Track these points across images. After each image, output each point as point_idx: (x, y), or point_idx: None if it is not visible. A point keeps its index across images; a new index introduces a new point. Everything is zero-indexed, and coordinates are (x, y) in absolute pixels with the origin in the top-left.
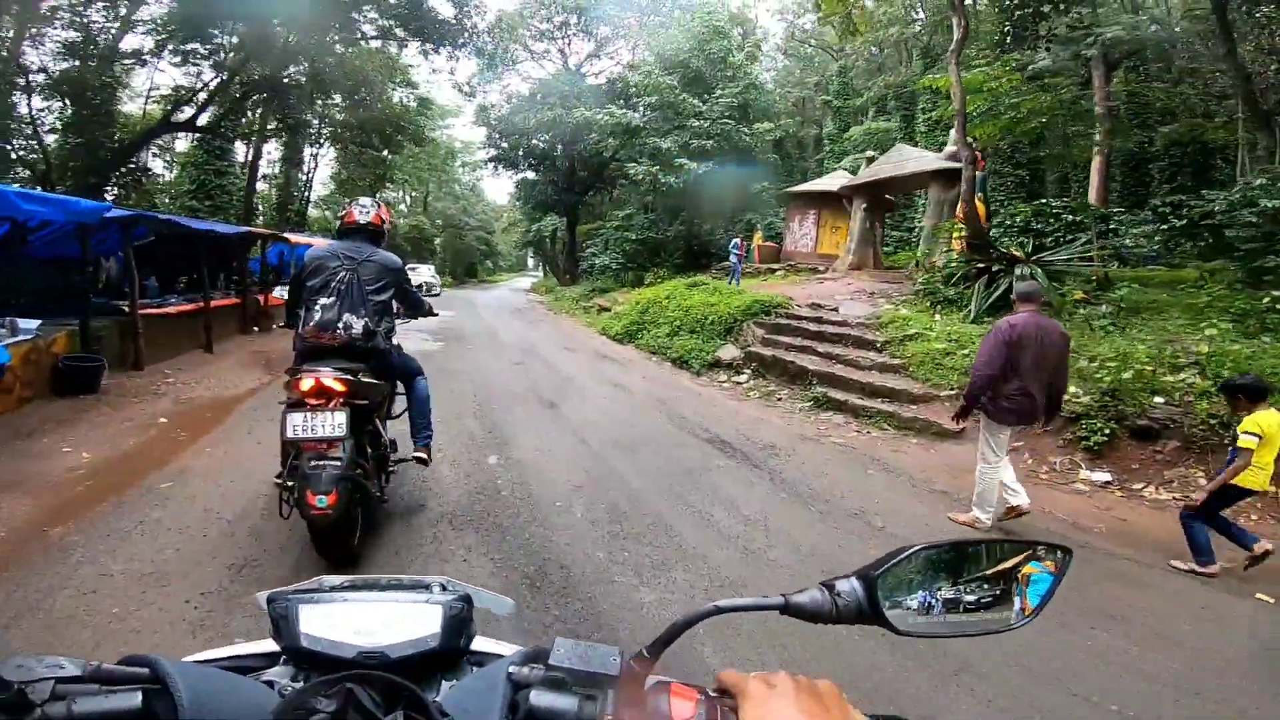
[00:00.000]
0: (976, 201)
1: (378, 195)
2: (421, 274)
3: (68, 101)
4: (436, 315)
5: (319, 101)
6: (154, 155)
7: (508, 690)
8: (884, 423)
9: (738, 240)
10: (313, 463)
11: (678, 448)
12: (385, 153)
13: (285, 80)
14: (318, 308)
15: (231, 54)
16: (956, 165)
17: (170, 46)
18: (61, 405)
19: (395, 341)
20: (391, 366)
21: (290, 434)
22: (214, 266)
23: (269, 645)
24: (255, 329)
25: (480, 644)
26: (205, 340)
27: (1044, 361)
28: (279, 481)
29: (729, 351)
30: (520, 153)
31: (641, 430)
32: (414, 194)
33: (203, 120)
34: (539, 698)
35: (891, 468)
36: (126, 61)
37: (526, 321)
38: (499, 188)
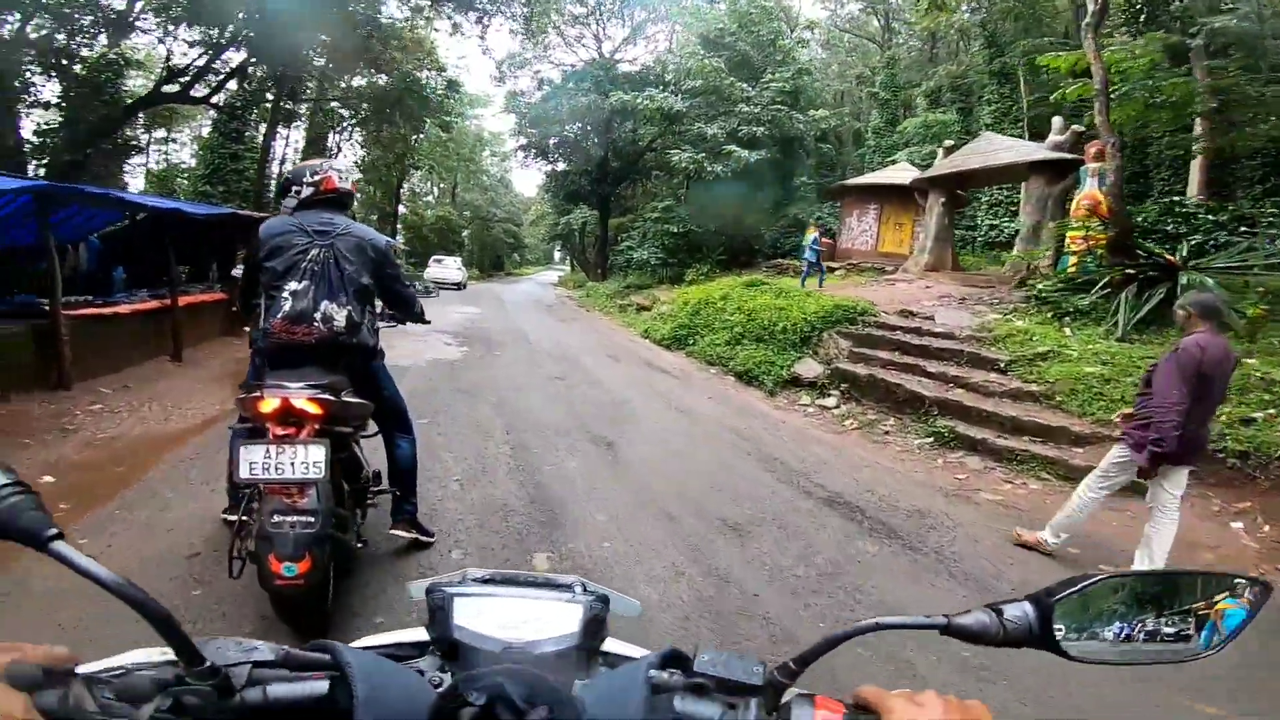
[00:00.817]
0: (1102, 195)
1: (403, 180)
2: (448, 266)
3: (53, 74)
4: (428, 322)
5: (336, 77)
6: (175, 140)
7: (646, 692)
8: (1041, 469)
9: (817, 234)
10: (277, 516)
11: (796, 519)
12: (407, 129)
13: (298, 55)
14: (286, 295)
15: (235, 28)
16: (1064, 156)
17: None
18: None
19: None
20: (378, 376)
21: (246, 474)
22: (206, 256)
23: (418, 634)
24: (246, 329)
25: (609, 644)
26: (173, 346)
27: (1224, 390)
28: (227, 519)
29: (809, 367)
30: (551, 142)
31: (736, 488)
32: (442, 185)
33: (202, 94)
34: (684, 703)
35: (1096, 541)
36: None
37: (559, 320)
38: (528, 180)
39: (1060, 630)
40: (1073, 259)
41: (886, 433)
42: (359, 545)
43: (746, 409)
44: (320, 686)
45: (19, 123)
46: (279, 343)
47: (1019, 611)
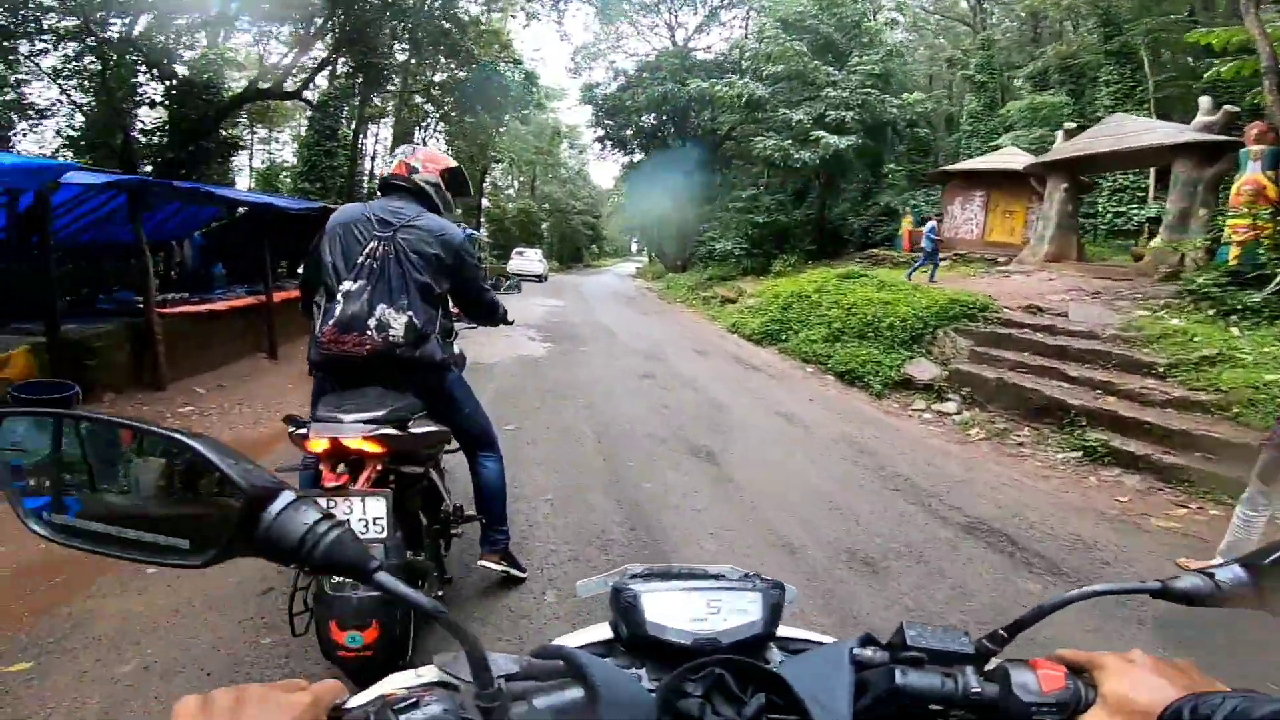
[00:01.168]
0: (1268, 180)
1: (486, 173)
2: (530, 259)
3: (156, 74)
4: (511, 323)
5: (418, 70)
6: (277, 140)
7: (852, 671)
8: (1220, 492)
9: (934, 223)
10: (337, 579)
11: (937, 551)
12: (488, 121)
13: (381, 46)
14: (339, 297)
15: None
16: (1216, 139)
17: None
18: None
19: (458, 350)
20: (453, 392)
21: None
22: (301, 251)
23: (600, 632)
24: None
25: (781, 630)
26: (268, 343)
27: None
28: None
29: (923, 368)
30: (628, 132)
31: (860, 511)
32: (521, 178)
33: (300, 90)
34: (905, 677)
35: None
36: (215, 35)
37: (641, 313)
38: (605, 171)
39: (1274, 591)
40: (1234, 249)
41: (1021, 445)
42: (443, 586)
43: (854, 413)
44: (576, 694)
45: (130, 122)
46: (329, 355)
47: (1230, 575)
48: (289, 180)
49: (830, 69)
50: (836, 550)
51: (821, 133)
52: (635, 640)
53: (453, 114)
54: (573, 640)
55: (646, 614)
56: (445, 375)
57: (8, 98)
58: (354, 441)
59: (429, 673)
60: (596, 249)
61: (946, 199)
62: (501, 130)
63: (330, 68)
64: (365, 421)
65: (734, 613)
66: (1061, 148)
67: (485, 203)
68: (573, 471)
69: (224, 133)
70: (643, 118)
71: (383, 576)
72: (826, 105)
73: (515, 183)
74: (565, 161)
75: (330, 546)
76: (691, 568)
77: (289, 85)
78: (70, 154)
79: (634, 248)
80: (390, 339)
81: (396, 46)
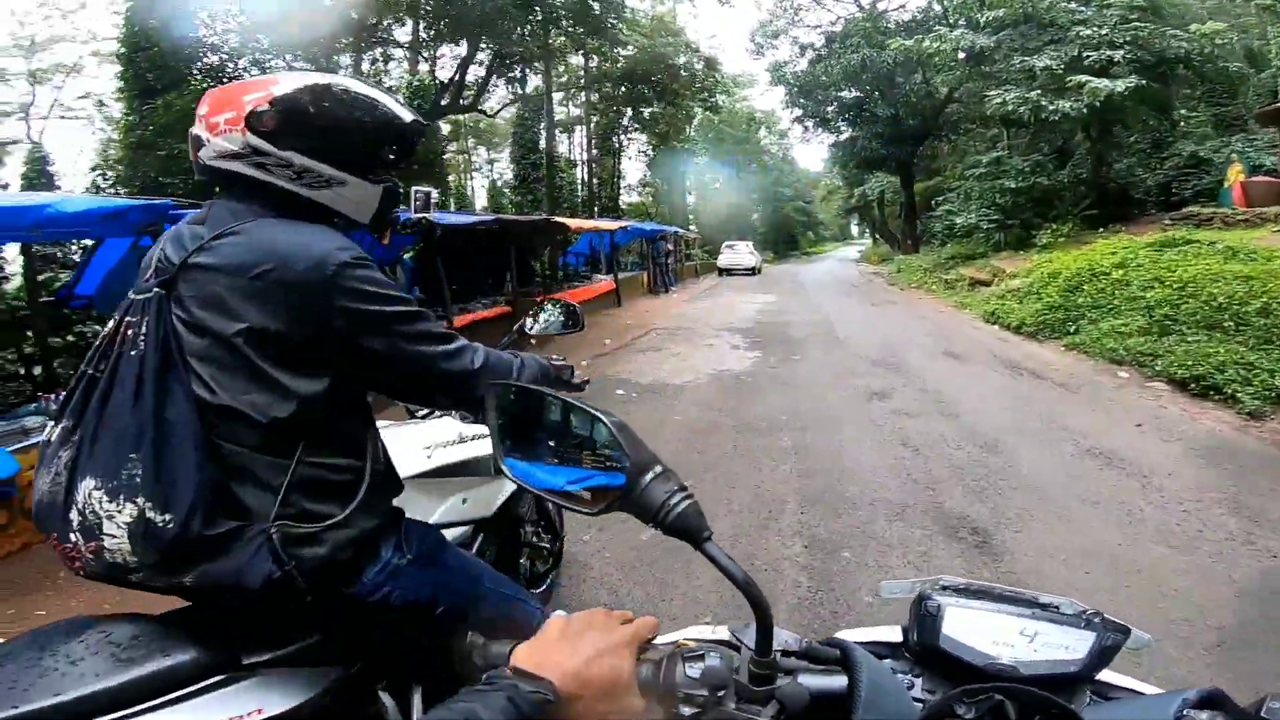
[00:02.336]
0: None
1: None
2: (740, 251)
3: None
4: (582, 386)
5: (561, 49)
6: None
7: None
8: None
9: None
10: None
11: None
12: (666, 110)
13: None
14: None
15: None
16: None
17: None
18: None
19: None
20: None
21: None
22: (501, 266)
23: (889, 634)
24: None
25: (1103, 674)
26: None
27: None
28: None
29: None
30: (830, 110)
31: None
32: (725, 170)
33: (474, 101)
34: None
35: None
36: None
37: (868, 303)
38: (812, 154)
39: None
40: None
41: None
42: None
43: (1220, 450)
44: (840, 681)
45: None
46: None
47: None
48: (507, 194)
49: (1073, 4)
50: None
51: (1084, 77)
52: (925, 650)
53: (624, 107)
54: (859, 636)
55: (945, 627)
56: (327, 597)
57: None
58: None
59: (721, 631)
60: (813, 235)
61: None
62: (694, 122)
63: (470, 64)
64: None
65: (1049, 646)
66: None
67: (691, 198)
68: (755, 574)
69: (434, 149)
70: (841, 91)
71: (710, 546)
72: (1081, 46)
73: (721, 176)
74: (768, 148)
75: (679, 515)
76: (1018, 591)
77: (463, 100)
78: None
79: (854, 230)
80: (108, 553)
81: (528, 29)
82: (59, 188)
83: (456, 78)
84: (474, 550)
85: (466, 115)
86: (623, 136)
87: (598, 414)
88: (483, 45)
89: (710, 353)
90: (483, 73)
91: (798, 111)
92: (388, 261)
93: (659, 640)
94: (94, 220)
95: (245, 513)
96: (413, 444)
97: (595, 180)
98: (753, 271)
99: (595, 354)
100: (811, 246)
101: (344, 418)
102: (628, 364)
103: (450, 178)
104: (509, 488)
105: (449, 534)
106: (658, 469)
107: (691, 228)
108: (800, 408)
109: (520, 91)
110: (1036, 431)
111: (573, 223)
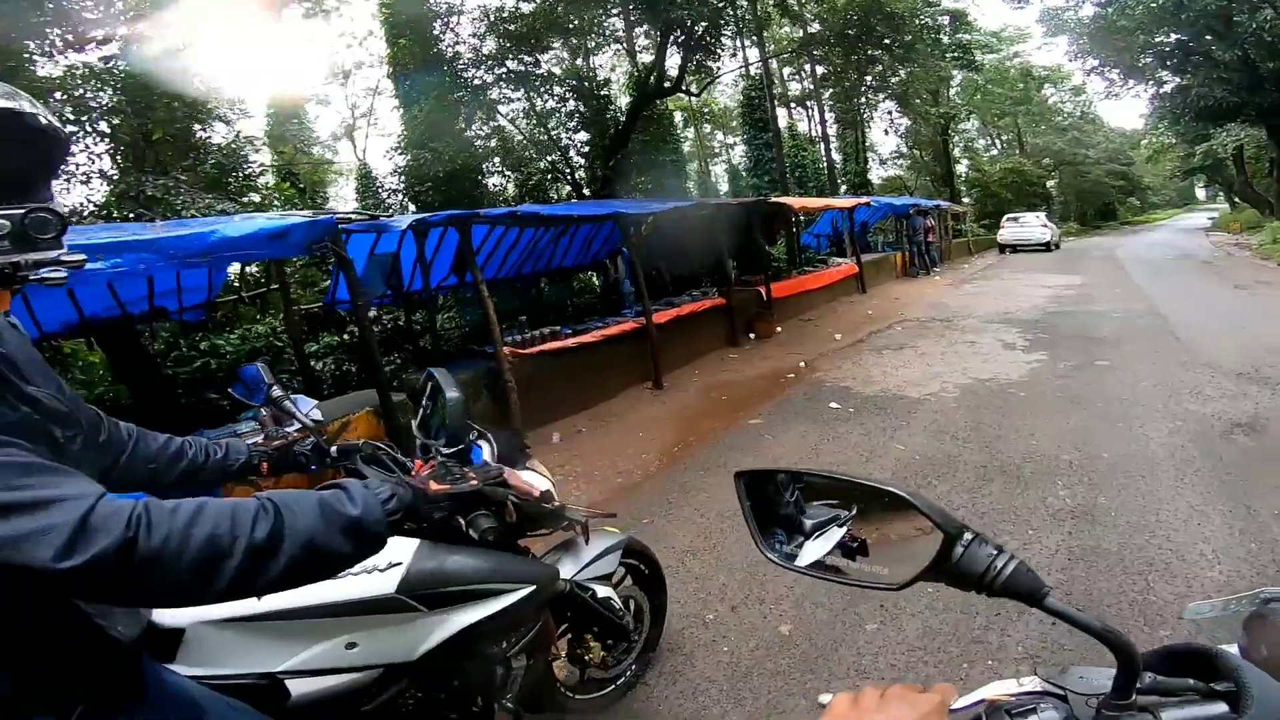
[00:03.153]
0: None
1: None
2: (1029, 224)
3: (573, 99)
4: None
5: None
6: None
7: None
8: None
9: None
10: None
11: None
12: (889, 61)
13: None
14: None
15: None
16: None
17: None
18: None
19: None
20: None
21: None
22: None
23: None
24: (751, 336)
25: None
26: (654, 372)
27: None
28: None
29: None
30: (1146, 57)
31: None
32: (1005, 136)
33: (678, 83)
34: None
35: None
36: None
37: (1222, 285)
38: (1124, 112)
39: None
40: None
41: None
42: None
43: None
44: (1214, 710)
45: (566, 147)
46: None
47: None
48: (744, 177)
49: None
50: None
51: None
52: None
53: (851, 73)
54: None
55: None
56: None
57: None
58: None
59: (1029, 683)
60: (1136, 202)
61: None
62: (956, 83)
63: (667, 44)
64: None
65: None
66: None
67: (962, 168)
68: None
69: (640, 140)
70: (1154, 34)
71: (1053, 602)
72: None
73: (997, 141)
74: (1059, 107)
75: (1009, 577)
76: None
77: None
78: (531, 198)
79: (1201, 194)
80: None
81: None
82: (387, 204)
83: (655, 60)
84: (381, 700)
85: (692, 99)
86: (862, 105)
87: (896, 490)
88: (673, 24)
89: (969, 353)
90: (680, 54)
91: (1093, 62)
92: (609, 255)
93: (962, 702)
94: (260, 241)
95: None
96: None
97: (841, 155)
98: (1046, 247)
99: (817, 352)
100: (1135, 216)
101: None
102: (854, 367)
103: (692, 165)
104: (448, 628)
105: (325, 683)
106: (969, 535)
107: (965, 200)
108: (1095, 443)
109: (714, 69)
110: None
111: (795, 202)
